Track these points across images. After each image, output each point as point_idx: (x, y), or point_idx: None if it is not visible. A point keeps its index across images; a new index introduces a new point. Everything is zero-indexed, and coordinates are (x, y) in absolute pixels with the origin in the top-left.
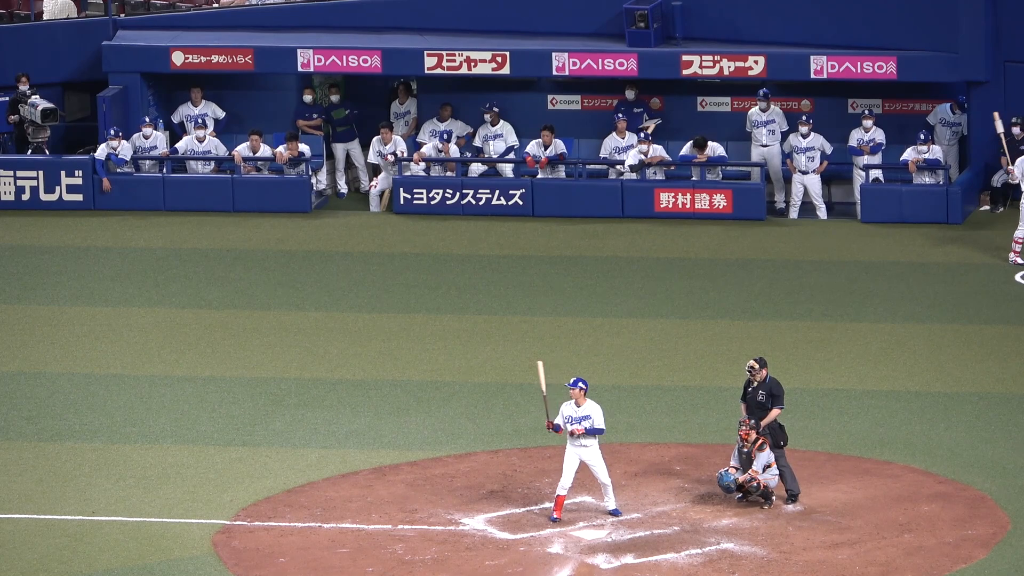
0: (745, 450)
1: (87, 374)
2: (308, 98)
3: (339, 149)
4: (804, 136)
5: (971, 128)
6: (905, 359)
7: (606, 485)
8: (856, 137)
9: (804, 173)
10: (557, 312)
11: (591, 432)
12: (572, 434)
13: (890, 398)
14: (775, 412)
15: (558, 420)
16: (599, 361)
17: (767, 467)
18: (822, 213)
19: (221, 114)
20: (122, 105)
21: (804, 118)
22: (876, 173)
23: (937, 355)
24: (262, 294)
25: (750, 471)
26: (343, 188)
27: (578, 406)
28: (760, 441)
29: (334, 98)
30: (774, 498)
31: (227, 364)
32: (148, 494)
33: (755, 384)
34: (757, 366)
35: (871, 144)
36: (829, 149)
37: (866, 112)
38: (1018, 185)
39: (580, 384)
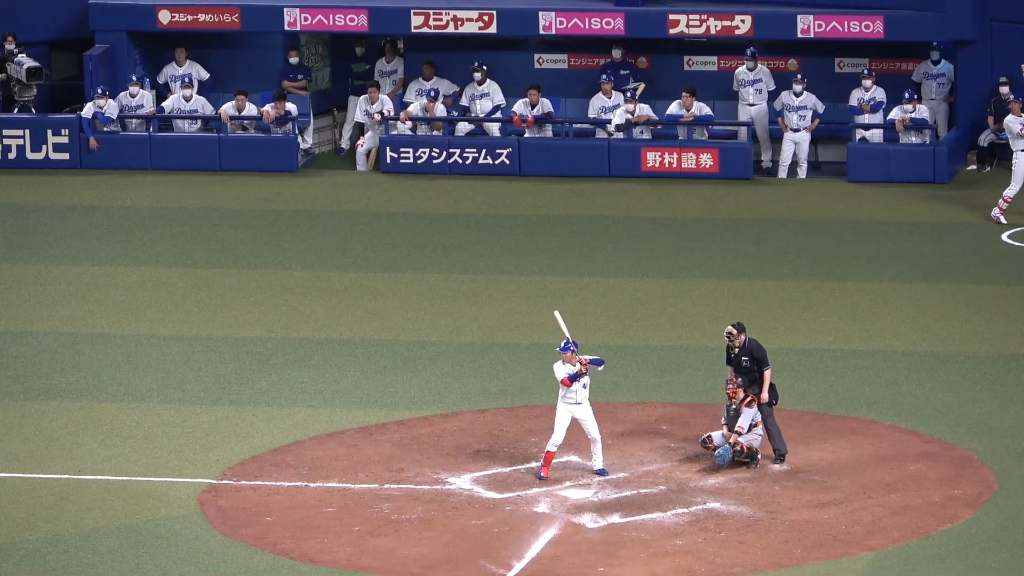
0: (733, 407)
1: (73, 333)
2: (294, 59)
3: (354, 102)
4: (797, 95)
5: (958, 87)
6: (892, 319)
7: (596, 441)
8: (856, 96)
9: (795, 131)
10: (544, 271)
11: (595, 362)
12: (578, 376)
13: (876, 357)
14: (768, 373)
15: (561, 375)
16: (585, 320)
17: (753, 426)
18: (802, 172)
19: (205, 75)
20: (109, 64)
21: (799, 76)
22: (875, 132)
23: (924, 315)
24: (248, 253)
25: (736, 428)
26: (344, 144)
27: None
28: (749, 398)
29: (358, 50)
30: (760, 457)
31: (213, 323)
32: (134, 453)
33: (736, 350)
34: (735, 331)
35: (872, 103)
36: (821, 108)
37: (865, 71)
38: (1005, 144)
39: (571, 347)
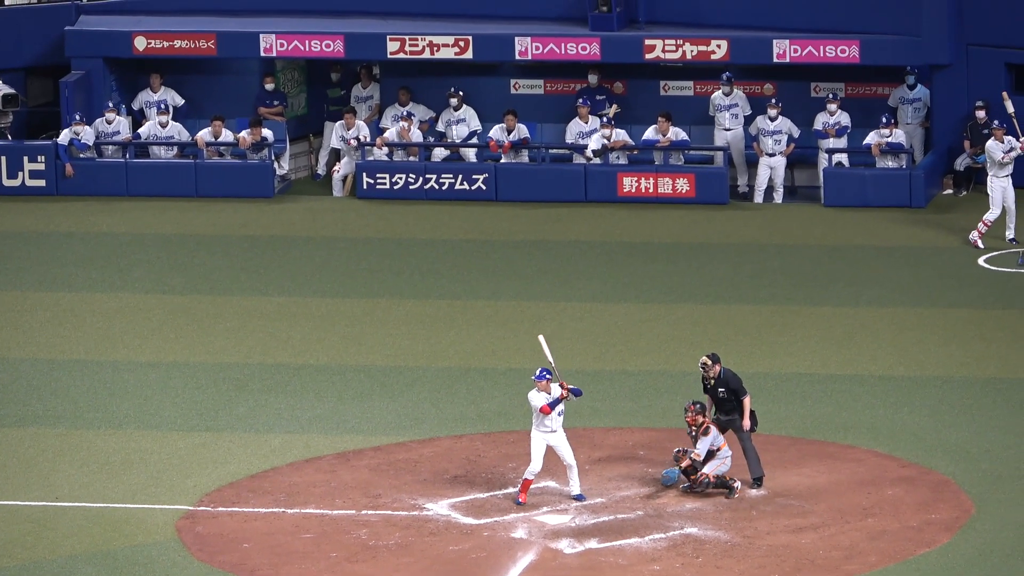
0: (692, 434)
1: (50, 359)
2: (270, 85)
3: (329, 128)
4: (772, 119)
5: (934, 111)
6: (868, 343)
7: (571, 467)
8: (821, 120)
9: (771, 155)
10: (520, 296)
11: (574, 392)
12: (560, 400)
13: (853, 382)
14: (747, 400)
15: (540, 403)
16: (562, 345)
17: (714, 451)
18: (778, 197)
19: (180, 101)
20: (85, 90)
21: (773, 101)
22: (841, 157)
23: (900, 339)
24: (225, 279)
25: (691, 454)
26: (321, 170)
27: (548, 394)
28: (704, 424)
29: (334, 76)
30: (738, 486)
31: (190, 349)
32: (112, 480)
33: (712, 381)
34: (710, 362)
35: (836, 127)
36: (797, 132)
37: (831, 96)
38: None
39: (546, 375)
